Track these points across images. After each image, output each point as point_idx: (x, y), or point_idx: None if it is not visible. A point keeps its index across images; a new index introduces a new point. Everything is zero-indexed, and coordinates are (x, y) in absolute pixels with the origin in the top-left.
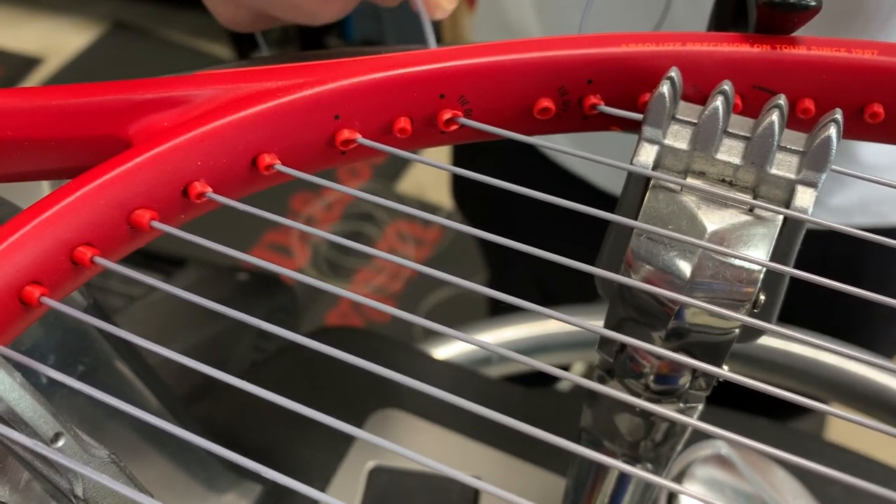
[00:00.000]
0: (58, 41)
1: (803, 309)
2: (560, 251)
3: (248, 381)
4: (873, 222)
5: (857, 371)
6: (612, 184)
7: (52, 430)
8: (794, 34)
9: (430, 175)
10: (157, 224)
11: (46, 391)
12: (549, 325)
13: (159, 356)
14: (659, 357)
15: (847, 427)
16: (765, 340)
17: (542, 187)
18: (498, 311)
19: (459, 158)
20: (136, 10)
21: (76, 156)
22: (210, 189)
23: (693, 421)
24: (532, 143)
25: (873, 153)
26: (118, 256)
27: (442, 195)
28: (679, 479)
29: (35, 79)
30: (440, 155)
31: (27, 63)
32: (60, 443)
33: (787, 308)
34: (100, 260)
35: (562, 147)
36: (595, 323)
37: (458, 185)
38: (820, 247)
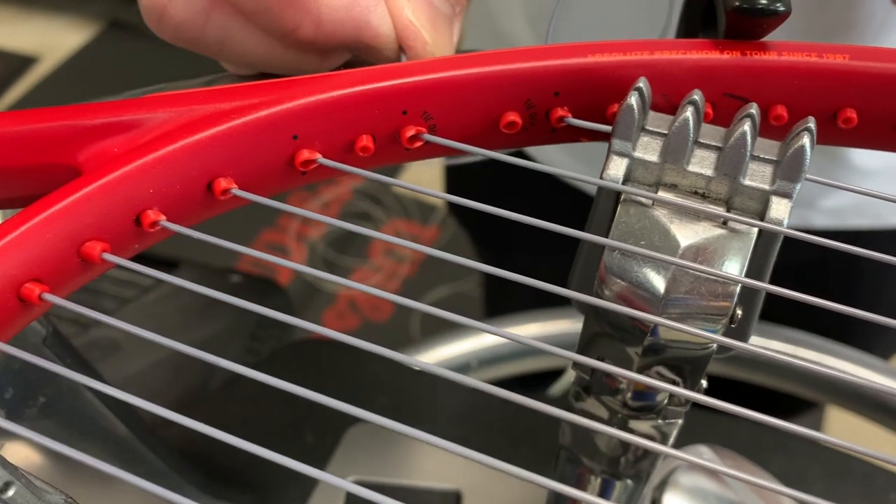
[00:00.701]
0: (53, 40)
1: (800, 310)
2: (552, 254)
3: (237, 388)
4: (869, 224)
5: (851, 372)
6: None
7: (1, 479)
8: (763, 39)
9: (427, 174)
10: (108, 256)
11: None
12: (544, 327)
13: (142, 364)
14: (629, 379)
15: (843, 428)
16: (756, 341)
17: (534, 192)
18: (495, 313)
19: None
20: (132, 9)
21: (24, 185)
22: (164, 217)
23: (665, 448)
24: (497, 159)
25: (865, 156)
26: (69, 291)
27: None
28: (661, 487)
29: (31, 78)
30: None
31: (23, 62)
32: (10, 492)
33: (783, 309)
34: (49, 297)
35: (526, 162)
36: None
37: (452, 187)
38: (819, 247)
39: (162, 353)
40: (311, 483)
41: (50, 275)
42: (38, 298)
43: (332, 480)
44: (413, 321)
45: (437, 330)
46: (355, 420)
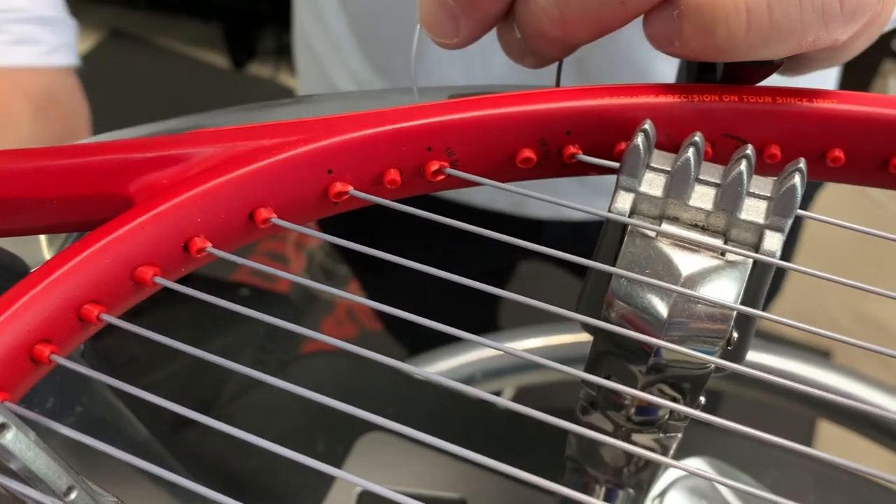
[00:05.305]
0: None
1: None
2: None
3: (247, 400)
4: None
5: (846, 390)
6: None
7: (66, 484)
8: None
9: None
10: (159, 279)
11: (46, 434)
12: (549, 340)
13: (156, 376)
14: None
15: (833, 439)
16: (755, 357)
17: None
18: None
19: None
20: (132, 19)
21: (78, 212)
22: (210, 244)
23: (665, 459)
24: (512, 192)
25: None
26: (121, 311)
27: None
28: (661, 497)
29: None
30: None
31: None
32: (73, 496)
33: None
34: (106, 317)
35: (541, 196)
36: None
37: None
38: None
39: (174, 365)
40: (322, 493)
41: (106, 296)
42: (97, 318)
43: (350, 478)
44: None
45: (434, 339)
46: (363, 431)
